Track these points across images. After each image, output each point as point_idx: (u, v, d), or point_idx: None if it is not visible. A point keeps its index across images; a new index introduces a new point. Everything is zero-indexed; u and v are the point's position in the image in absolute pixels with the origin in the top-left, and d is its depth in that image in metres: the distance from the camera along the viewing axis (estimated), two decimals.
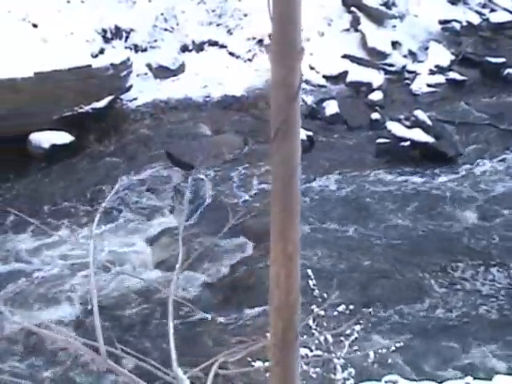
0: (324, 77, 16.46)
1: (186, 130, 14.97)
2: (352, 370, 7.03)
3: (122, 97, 15.46)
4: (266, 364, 3.33)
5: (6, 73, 13.61)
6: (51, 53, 14.48)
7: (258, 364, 4.81)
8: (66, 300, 10.55)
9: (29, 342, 9.50)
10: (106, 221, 12.09)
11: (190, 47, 16.72)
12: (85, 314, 10.02)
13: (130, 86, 15.41)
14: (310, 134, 14.30)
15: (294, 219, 2.23)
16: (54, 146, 13.87)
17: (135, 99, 15.61)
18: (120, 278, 10.68)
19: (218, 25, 17.02)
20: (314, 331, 6.46)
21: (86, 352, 2.94)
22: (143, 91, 15.78)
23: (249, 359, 4.66)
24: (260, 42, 16.59)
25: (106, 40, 16.14)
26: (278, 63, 2.09)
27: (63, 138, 14.06)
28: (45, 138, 13.91)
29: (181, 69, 16.36)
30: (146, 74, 16.26)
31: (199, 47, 16.77)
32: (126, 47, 16.36)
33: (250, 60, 16.59)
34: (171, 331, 3.40)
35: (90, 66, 14.61)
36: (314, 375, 6.71)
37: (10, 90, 13.57)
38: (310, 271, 7.41)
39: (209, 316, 8.83)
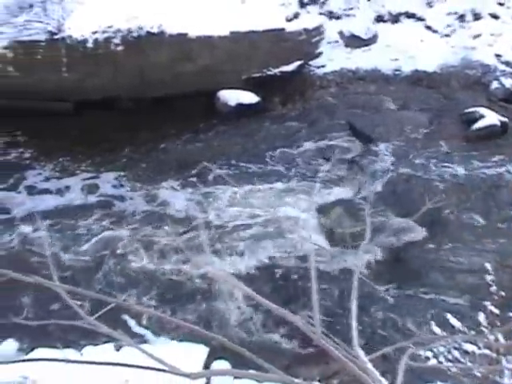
0: None
1: (371, 102, 14.68)
2: None
3: (310, 63, 15.45)
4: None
5: (204, 30, 14.06)
6: (247, 13, 14.72)
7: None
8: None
9: None
10: (280, 183, 12.25)
11: (386, 18, 16.30)
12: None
13: (320, 53, 15.34)
14: (505, 119, 13.46)
15: None
16: (240, 105, 14.20)
17: (323, 66, 15.54)
18: (293, 241, 10.75)
19: None
20: None
21: (303, 328, 2.89)
22: (332, 59, 15.66)
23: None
24: (461, 17, 15.76)
25: (302, 5, 16.15)
26: None
27: (250, 97, 14.35)
28: (232, 96, 14.29)
29: (373, 39, 16.02)
30: (336, 41, 16.11)
31: (395, 18, 16.30)
32: (320, 13, 16.28)
33: (447, 35, 15.84)
34: (354, 308, 3.29)
35: (283, 29, 14.70)
36: None
37: (206, 47, 14.02)
38: None
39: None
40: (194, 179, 12.28)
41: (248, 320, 9.22)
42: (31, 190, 12.07)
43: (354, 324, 3.20)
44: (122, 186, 12.21)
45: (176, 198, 11.85)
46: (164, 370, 2.91)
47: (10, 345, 8.43)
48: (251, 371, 3.23)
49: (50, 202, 11.77)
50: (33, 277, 2.82)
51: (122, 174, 12.50)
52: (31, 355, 7.87)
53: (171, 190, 12.06)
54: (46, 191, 12.06)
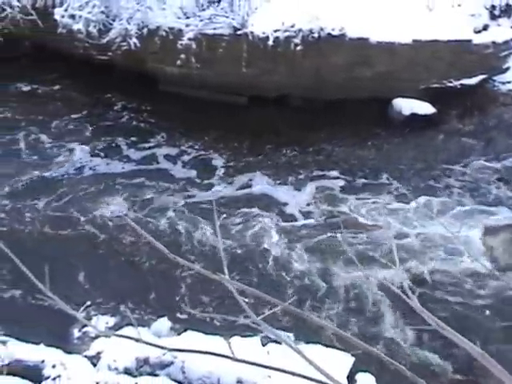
0: None
1: None
2: None
3: (494, 78, 14.65)
4: None
5: (386, 36, 13.77)
6: (433, 22, 14.22)
7: None
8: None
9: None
10: (447, 198, 11.73)
11: None
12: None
13: (507, 68, 14.47)
14: None
15: None
16: (414, 115, 13.75)
17: (509, 82, 14.67)
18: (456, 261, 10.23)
19: None
20: None
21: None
22: None
23: None
24: None
25: (493, 17, 15.29)
26: None
27: (425, 108, 13.85)
28: (407, 105, 13.88)
29: None
30: None
31: None
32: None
33: None
34: None
35: (469, 41, 14.03)
36: None
37: (385, 53, 13.73)
38: None
39: None
40: (360, 184, 12.07)
41: (402, 334, 8.86)
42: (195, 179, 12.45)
43: None
44: (284, 181, 12.25)
45: (340, 201, 11.70)
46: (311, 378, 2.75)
47: (164, 323, 8.72)
48: None
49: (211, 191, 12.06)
50: (216, 273, 2.78)
51: (284, 169, 12.56)
52: (182, 336, 8.07)
53: (336, 191, 11.93)
54: (208, 180, 12.37)
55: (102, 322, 8.69)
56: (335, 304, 9.42)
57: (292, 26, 13.70)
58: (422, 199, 11.63)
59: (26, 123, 13.70)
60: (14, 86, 15.07)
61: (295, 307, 3.31)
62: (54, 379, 7.47)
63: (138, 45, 14.02)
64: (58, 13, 14.58)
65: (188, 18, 14.19)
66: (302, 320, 8.64)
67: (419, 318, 3.03)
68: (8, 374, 7.41)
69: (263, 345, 7.99)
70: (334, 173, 12.46)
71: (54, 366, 7.58)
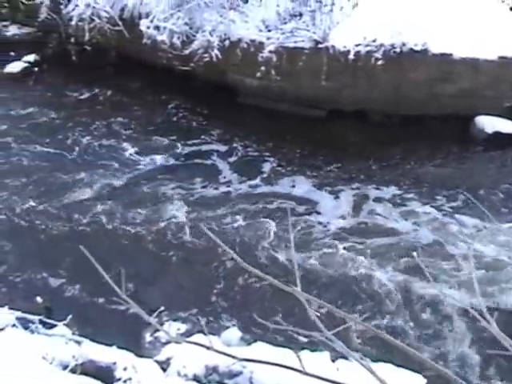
0: None
1: None
2: None
3: None
4: None
5: (470, 52, 13.47)
6: None
7: None
8: None
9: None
10: None
11: None
12: None
13: None
14: None
15: None
16: (498, 133, 13.36)
17: None
18: None
19: None
20: None
21: None
22: None
23: None
24: None
25: None
26: None
27: (509, 127, 13.45)
28: (490, 123, 13.51)
29: None
30: None
31: None
32: None
33: None
34: None
35: None
36: None
37: (469, 69, 13.42)
38: None
39: None
40: (441, 203, 11.81)
41: (478, 359, 8.58)
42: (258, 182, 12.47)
43: None
44: (362, 194, 12.13)
45: (418, 218, 11.47)
46: None
47: (234, 333, 8.75)
48: None
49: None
50: (289, 285, 2.78)
51: (364, 184, 12.43)
52: (251, 346, 8.08)
53: (415, 209, 11.71)
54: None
55: (174, 328, 8.80)
56: (409, 322, 9.21)
57: (374, 41, 13.60)
58: (507, 223, 11.23)
59: (106, 129, 14.15)
60: (99, 92, 15.61)
61: (367, 323, 3.26)
62: (125, 381, 7.61)
63: (220, 56, 14.23)
64: (143, 24, 15.00)
65: (270, 30, 14.31)
66: (373, 337, 8.53)
67: (498, 343, 2.94)
68: (81, 373, 7.60)
69: (333, 360, 7.90)
70: (412, 189, 12.24)
71: (125, 369, 7.73)
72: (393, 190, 12.23)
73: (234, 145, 13.66)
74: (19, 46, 17.60)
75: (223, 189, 12.27)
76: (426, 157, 13.17)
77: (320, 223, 11.26)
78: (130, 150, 13.42)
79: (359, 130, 13.93)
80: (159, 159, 13.16)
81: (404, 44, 13.51)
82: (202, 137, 13.92)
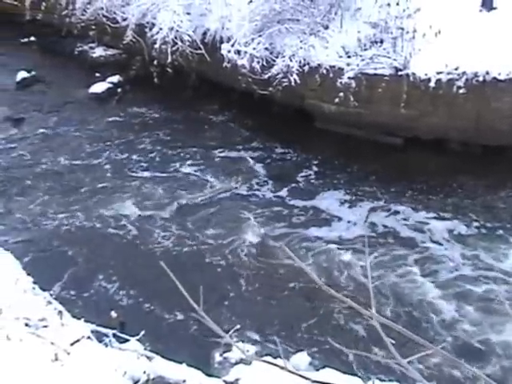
0: None
1: None
2: None
3: None
4: None
5: None
6: None
7: None
8: None
9: None
10: None
11: None
12: None
13: None
14: None
15: None
16: None
17: None
18: None
19: None
20: None
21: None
22: None
23: None
24: None
25: None
26: None
27: None
28: None
29: None
30: None
31: None
32: None
33: None
34: None
35: None
36: None
37: None
38: None
39: None
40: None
41: None
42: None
43: None
44: (438, 222, 11.87)
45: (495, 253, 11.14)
46: None
47: (303, 357, 8.69)
48: None
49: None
50: (367, 309, 2.74)
51: (442, 215, 12.17)
52: (320, 372, 8.00)
53: (488, 242, 11.38)
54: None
55: (244, 348, 8.81)
56: (490, 356, 8.90)
57: (456, 69, 13.39)
58: None
59: (183, 149, 14.45)
60: (179, 114, 15.99)
61: (446, 352, 3.17)
62: None
63: (298, 81, 14.31)
64: (224, 48, 15.27)
65: (349, 57, 14.31)
66: (451, 367, 8.29)
67: None
68: None
69: None
70: (488, 224, 11.87)
71: None
72: (465, 220, 11.92)
73: (309, 172, 13.65)
74: (104, 68, 18.26)
75: (299, 210, 12.32)
76: (502, 189, 12.71)
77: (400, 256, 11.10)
78: (206, 169, 13.68)
79: (436, 158, 13.68)
80: (240, 181, 13.33)
81: (487, 72, 13.24)
82: (280, 163, 14.00)
